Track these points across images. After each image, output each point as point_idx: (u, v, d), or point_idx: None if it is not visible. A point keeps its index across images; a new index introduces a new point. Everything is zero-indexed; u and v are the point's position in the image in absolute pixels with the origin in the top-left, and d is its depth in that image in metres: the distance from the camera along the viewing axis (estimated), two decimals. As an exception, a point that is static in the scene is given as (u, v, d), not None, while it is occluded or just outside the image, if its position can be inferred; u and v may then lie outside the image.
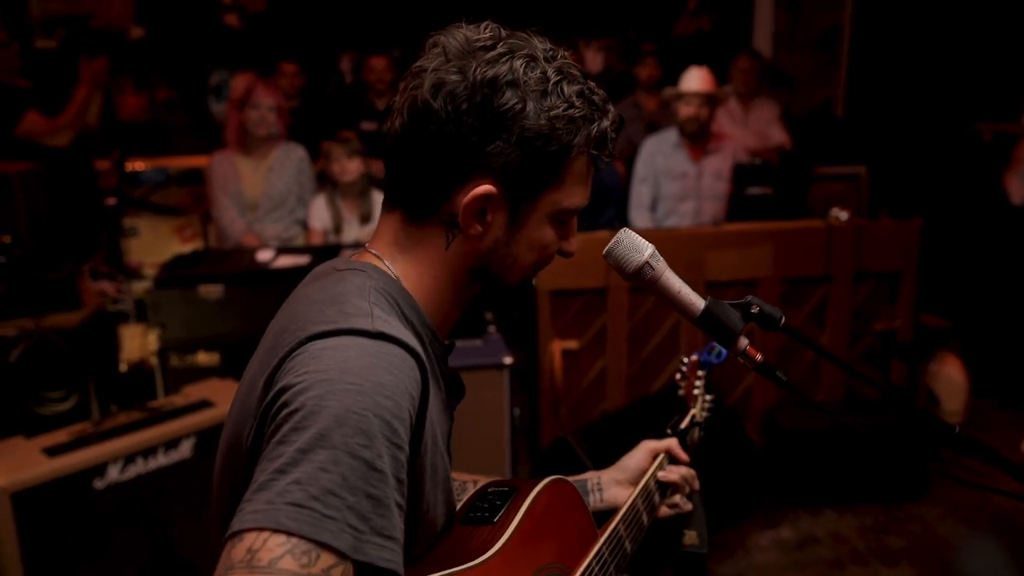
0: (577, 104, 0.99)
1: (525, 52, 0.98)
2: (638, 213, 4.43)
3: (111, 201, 3.81)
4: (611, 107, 1.05)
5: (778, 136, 5.22)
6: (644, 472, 1.43)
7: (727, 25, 5.95)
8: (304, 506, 0.78)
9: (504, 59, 0.97)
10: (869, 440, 3.48)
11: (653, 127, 5.11)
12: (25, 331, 2.99)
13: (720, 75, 5.10)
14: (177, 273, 3.38)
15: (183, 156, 5.17)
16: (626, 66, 5.81)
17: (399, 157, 1.02)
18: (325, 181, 4.17)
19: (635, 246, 1.13)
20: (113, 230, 3.88)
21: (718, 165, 4.38)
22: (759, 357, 1.15)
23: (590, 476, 1.44)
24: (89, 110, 4.07)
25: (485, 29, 1.01)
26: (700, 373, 1.65)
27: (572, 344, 3.66)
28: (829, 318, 3.81)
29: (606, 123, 1.03)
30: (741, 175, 4.39)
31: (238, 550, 0.77)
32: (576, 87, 1.00)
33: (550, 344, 3.63)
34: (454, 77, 0.96)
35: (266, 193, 4.04)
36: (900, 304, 3.85)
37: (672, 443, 1.48)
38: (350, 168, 3.97)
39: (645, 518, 1.38)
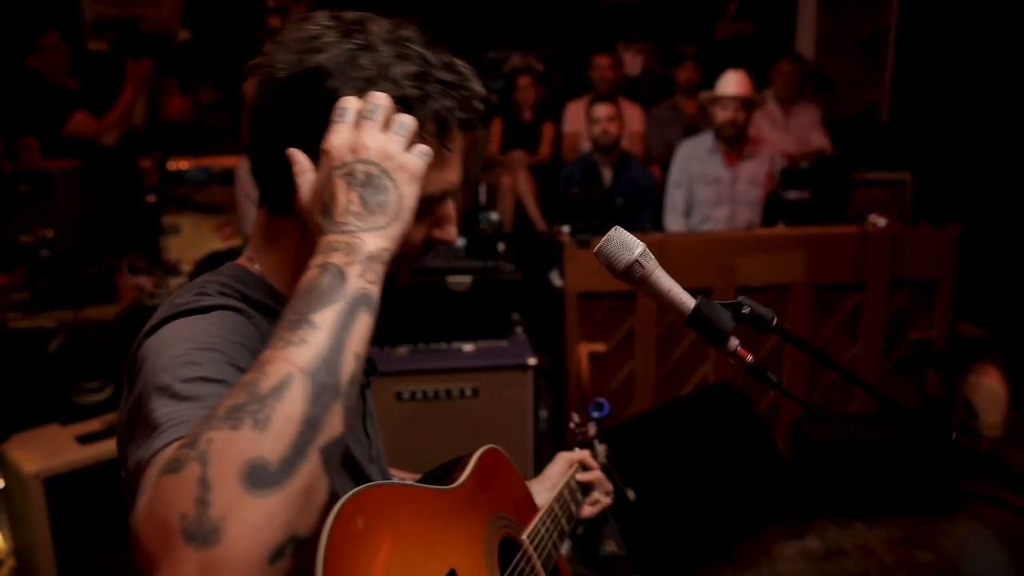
0: (408, 86, 0.95)
1: (358, 40, 0.95)
2: (672, 217, 4.41)
3: (151, 199, 3.91)
4: (468, 88, 1.00)
5: (819, 141, 5.15)
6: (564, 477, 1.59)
7: (769, 28, 5.87)
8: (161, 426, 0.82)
9: (332, 47, 0.94)
10: (880, 451, 3.40)
11: (692, 130, 5.07)
12: (64, 323, 3.09)
13: (761, 79, 5.05)
14: (211, 269, 3.45)
15: (225, 156, 5.28)
16: (665, 69, 5.78)
17: (249, 154, 1.04)
18: None
19: (625, 244, 1.13)
20: (152, 227, 3.98)
21: (754, 170, 4.33)
22: (749, 358, 1.14)
23: None
24: (135, 110, 4.19)
25: (321, 19, 0.97)
26: (591, 427, 1.77)
27: (599, 347, 3.66)
28: (863, 326, 3.74)
29: (447, 103, 0.97)
30: (785, 179, 4.35)
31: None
32: (411, 68, 0.95)
33: (577, 347, 3.63)
34: (280, 74, 0.94)
35: None
36: (936, 313, 3.76)
37: (584, 454, 1.65)
38: None
39: (573, 508, 1.54)
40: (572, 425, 1.75)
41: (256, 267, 1.07)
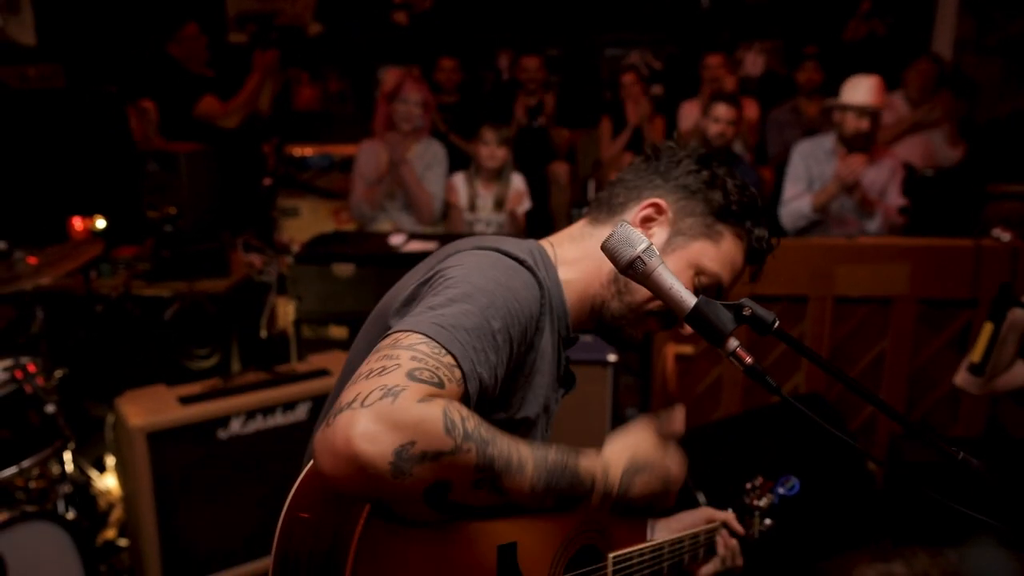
0: (732, 190, 1.30)
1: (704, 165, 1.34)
2: (789, 207, 4.20)
3: (267, 182, 4.17)
4: (769, 232, 1.35)
5: (948, 149, 4.84)
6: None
7: (904, 28, 5.56)
8: (443, 326, 1.00)
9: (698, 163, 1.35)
10: (983, 478, 3.17)
11: (812, 134, 4.88)
12: (179, 293, 3.36)
13: (893, 81, 4.79)
14: (315, 251, 3.65)
15: (348, 144, 5.52)
16: (787, 70, 5.59)
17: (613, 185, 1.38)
18: (469, 160, 4.36)
19: (629, 240, 1.14)
20: (266, 208, 4.24)
21: (872, 177, 4.12)
22: (748, 360, 1.14)
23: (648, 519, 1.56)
24: (261, 97, 4.47)
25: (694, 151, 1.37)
26: (765, 499, 1.67)
27: (687, 349, 3.61)
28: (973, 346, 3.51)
29: (762, 231, 1.33)
30: (907, 186, 4.13)
31: (387, 340, 0.98)
32: (739, 183, 1.33)
33: (664, 347, 3.60)
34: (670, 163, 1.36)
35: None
36: (1060, 338, 3.48)
37: (729, 516, 1.59)
38: (498, 155, 4.14)
39: (686, 557, 1.49)
40: (749, 485, 1.68)
41: (553, 250, 1.31)
